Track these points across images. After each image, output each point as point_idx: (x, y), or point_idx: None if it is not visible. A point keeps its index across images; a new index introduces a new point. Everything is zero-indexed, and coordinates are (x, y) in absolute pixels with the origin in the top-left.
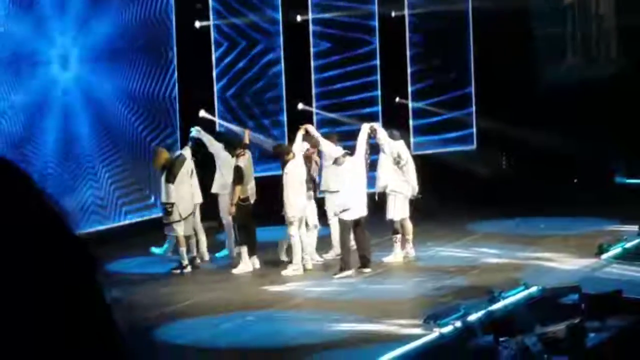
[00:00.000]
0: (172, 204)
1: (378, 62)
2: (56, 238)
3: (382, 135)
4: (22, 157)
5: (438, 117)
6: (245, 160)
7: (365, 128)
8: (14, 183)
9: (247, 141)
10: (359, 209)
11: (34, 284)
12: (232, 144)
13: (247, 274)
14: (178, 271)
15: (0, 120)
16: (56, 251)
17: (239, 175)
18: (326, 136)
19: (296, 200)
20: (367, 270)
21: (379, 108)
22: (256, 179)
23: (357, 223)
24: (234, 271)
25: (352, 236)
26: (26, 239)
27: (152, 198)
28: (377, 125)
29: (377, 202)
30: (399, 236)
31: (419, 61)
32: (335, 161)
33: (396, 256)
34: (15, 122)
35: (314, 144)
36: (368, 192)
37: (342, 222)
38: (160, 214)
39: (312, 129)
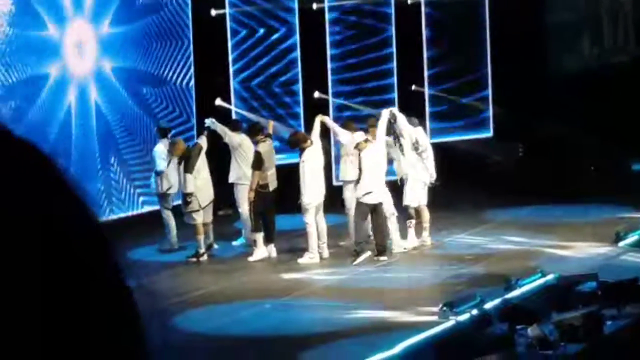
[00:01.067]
0: (191, 194)
1: (394, 49)
2: (79, 223)
3: (402, 121)
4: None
5: (454, 105)
6: (266, 146)
7: (385, 114)
8: (30, 162)
9: (270, 132)
10: (378, 194)
11: (52, 268)
12: (253, 130)
13: (263, 261)
14: (194, 259)
15: (19, 108)
16: (77, 238)
17: (257, 161)
18: (344, 124)
19: (312, 187)
20: (384, 258)
21: (395, 95)
22: (280, 166)
23: (374, 209)
24: (250, 259)
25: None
26: (42, 224)
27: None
28: (397, 111)
29: (397, 189)
30: (413, 221)
31: (436, 49)
32: (357, 146)
33: (411, 242)
34: (34, 110)
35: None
36: (388, 179)
37: (359, 207)
38: (176, 203)
39: (328, 120)
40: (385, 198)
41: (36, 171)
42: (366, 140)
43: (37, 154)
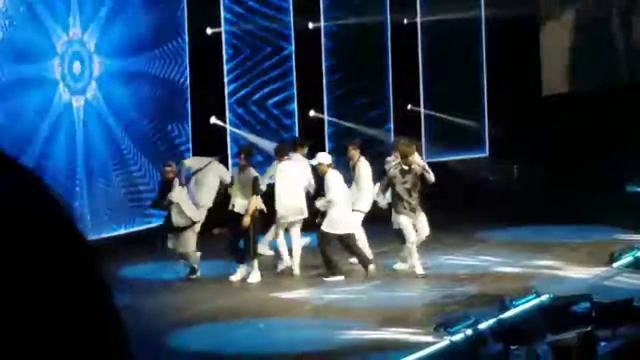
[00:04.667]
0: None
1: (389, 68)
2: (64, 243)
3: None
4: (34, 162)
5: (450, 125)
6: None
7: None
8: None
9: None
10: (345, 225)
11: (36, 289)
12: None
13: (258, 282)
14: (193, 276)
15: (15, 124)
16: (63, 257)
17: (257, 186)
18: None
19: (285, 200)
20: (372, 267)
21: (391, 117)
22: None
23: (342, 238)
24: (248, 280)
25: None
26: (30, 242)
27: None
28: None
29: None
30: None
31: (430, 69)
32: (317, 169)
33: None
34: (30, 127)
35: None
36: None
37: (323, 235)
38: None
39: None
40: (353, 227)
41: (28, 193)
42: (329, 165)
43: (28, 174)
